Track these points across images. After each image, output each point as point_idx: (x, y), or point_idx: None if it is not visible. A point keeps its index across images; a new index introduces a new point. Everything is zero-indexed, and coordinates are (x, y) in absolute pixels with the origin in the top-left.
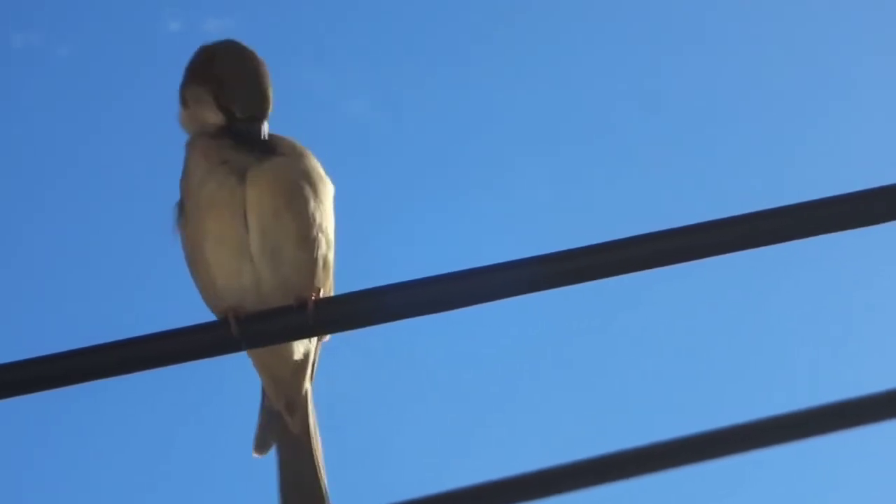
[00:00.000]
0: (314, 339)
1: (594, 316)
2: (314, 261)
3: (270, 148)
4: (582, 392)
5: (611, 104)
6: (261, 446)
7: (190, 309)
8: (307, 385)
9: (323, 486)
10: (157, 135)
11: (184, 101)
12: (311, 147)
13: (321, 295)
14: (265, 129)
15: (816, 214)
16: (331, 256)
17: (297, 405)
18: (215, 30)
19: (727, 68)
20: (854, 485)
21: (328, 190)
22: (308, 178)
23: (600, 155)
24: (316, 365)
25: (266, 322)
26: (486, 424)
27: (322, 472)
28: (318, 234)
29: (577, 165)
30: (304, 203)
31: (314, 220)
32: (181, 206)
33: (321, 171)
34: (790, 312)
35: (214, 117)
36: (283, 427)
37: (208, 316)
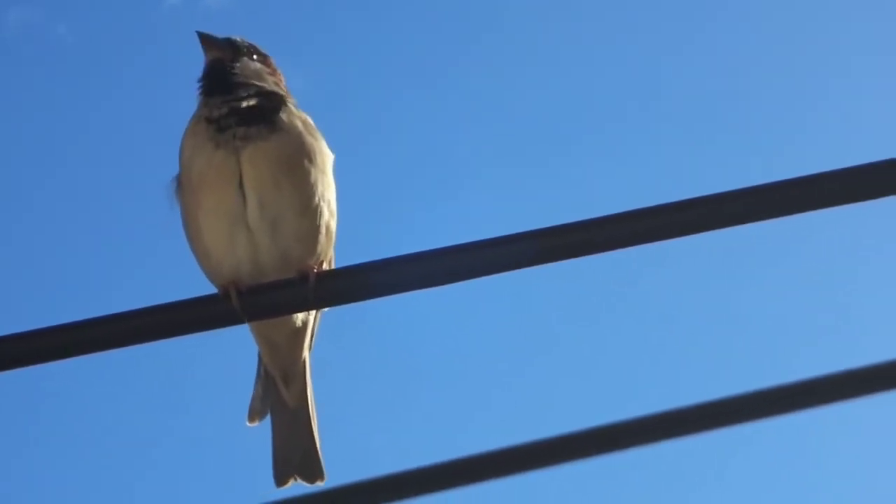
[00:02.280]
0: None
1: (585, 294)
2: (316, 230)
3: (264, 119)
4: (573, 365)
5: (588, 85)
6: (255, 415)
7: (194, 282)
8: (305, 354)
9: (318, 456)
10: (157, 109)
11: None
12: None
13: (323, 267)
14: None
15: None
16: (333, 225)
17: (294, 375)
18: (214, 4)
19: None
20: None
21: (328, 158)
22: (306, 147)
23: (595, 137)
24: (315, 334)
25: (267, 295)
26: (480, 397)
27: (317, 441)
28: (319, 202)
29: (566, 148)
30: (305, 172)
31: (315, 188)
32: (178, 179)
33: (320, 139)
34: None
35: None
36: (278, 397)
37: (210, 289)
